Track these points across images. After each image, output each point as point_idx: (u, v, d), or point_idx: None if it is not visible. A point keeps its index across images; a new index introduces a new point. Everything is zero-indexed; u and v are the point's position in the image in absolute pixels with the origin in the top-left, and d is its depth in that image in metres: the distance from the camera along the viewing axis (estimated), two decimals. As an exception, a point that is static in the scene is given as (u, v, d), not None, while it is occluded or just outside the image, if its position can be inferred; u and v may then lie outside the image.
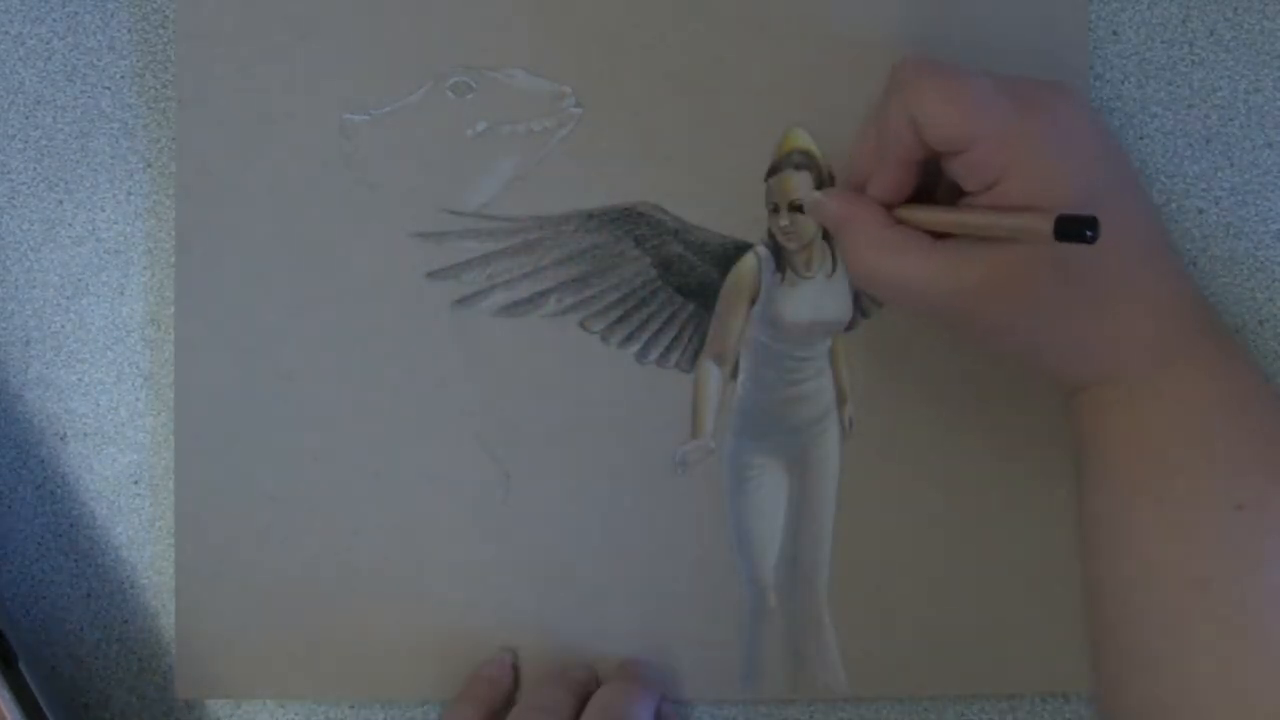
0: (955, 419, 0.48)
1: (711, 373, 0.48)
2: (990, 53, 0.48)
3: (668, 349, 0.48)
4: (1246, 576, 0.40)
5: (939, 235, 0.42)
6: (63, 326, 0.50)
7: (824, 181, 0.48)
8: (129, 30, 0.50)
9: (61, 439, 0.50)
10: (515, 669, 0.48)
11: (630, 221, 0.48)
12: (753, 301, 0.48)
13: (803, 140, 0.48)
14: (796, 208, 0.48)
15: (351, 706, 0.49)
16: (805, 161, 0.48)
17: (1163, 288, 0.43)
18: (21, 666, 0.46)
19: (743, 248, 0.48)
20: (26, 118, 0.50)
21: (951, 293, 0.41)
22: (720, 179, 0.48)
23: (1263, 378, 0.43)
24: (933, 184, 0.44)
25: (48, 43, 0.50)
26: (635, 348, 0.48)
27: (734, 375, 0.48)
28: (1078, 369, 0.43)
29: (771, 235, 0.48)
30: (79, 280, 0.50)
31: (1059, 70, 0.48)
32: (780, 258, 0.48)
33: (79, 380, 0.50)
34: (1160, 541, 0.41)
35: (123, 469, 0.50)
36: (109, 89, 0.50)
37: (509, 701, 0.48)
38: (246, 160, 0.48)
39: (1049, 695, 0.49)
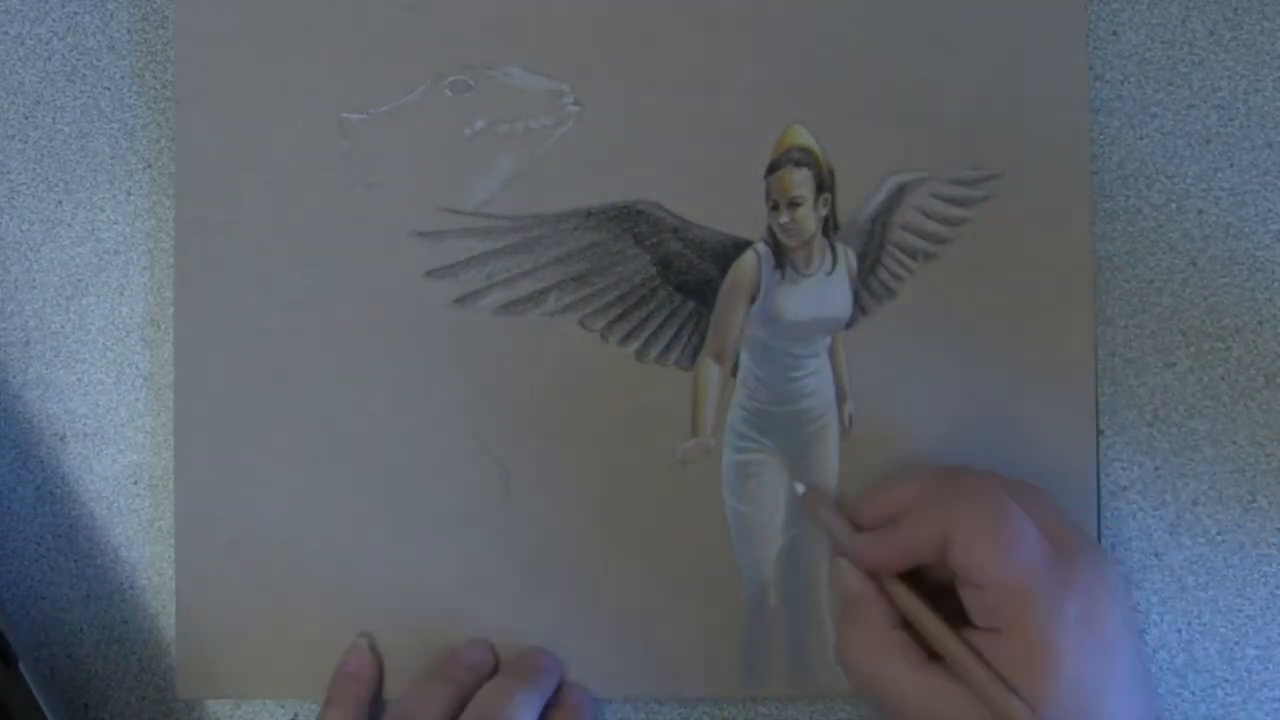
0: (954, 417, 0.48)
1: (711, 370, 0.48)
2: (990, 53, 0.48)
3: (667, 347, 0.48)
4: None
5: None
6: (63, 326, 0.50)
7: (823, 178, 0.48)
8: (129, 30, 0.50)
9: (61, 439, 0.50)
10: (375, 652, 0.48)
11: (629, 219, 0.48)
12: (752, 299, 0.48)
13: (802, 137, 0.48)
14: (796, 204, 0.48)
15: (351, 706, 0.49)
16: (804, 158, 0.48)
17: None
18: (21, 666, 0.46)
19: (742, 245, 0.48)
20: (26, 118, 0.50)
21: (928, 713, 0.40)
22: (719, 176, 0.48)
23: None
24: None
25: (48, 43, 0.50)
26: (635, 346, 0.48)
27: (734, 373, 0.48)
28: None
29: (771, 232, 0.48)
30: (79, 280, 0.50)
31: (1059, 70, 0.48)
32: (780, 255, 0.48)
33: (79, 380, 0.50)
34: None
35: (123, 469, 0.50)
36: (109, 89, 0.50)
37: (378, 691, 0.47)
38: (246, 160, 0.49)
39: (1050, 694, 0.49)
